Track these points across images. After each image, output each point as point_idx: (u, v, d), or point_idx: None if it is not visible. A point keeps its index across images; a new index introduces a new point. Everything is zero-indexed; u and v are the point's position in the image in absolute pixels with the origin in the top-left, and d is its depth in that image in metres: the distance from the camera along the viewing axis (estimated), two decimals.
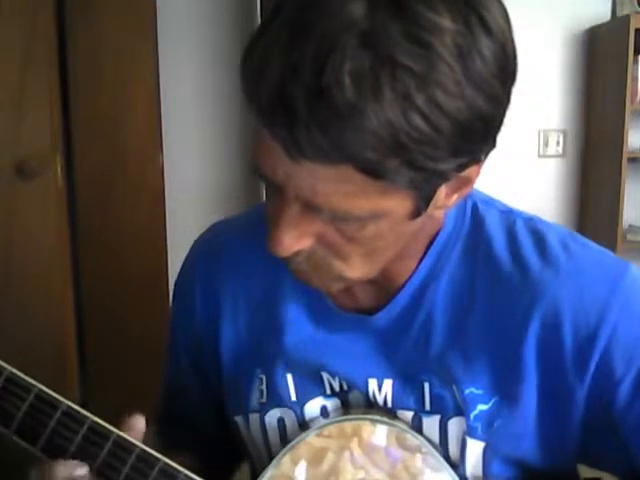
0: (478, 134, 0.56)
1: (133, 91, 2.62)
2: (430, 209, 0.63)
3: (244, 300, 0.80)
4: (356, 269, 0.64)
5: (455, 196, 0.64)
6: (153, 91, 2.63)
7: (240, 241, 0.81)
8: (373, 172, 0.54)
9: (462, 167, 0.58)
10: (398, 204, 0.59)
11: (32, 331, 2.34)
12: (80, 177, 2.61)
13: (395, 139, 0.51)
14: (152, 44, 2.61)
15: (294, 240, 0.61)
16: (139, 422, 0.70)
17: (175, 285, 0.87)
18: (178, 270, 0.88)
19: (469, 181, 0.62)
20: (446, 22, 0.51)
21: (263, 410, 0.78)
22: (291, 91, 0.51)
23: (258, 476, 0.77)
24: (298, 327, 0.77)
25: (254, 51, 0.55)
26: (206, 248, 0.85)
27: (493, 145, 0.61)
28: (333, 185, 0.55)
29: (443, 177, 0.58)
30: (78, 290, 2.62)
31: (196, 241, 0.87)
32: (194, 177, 3.06)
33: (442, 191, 0.62)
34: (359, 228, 0.60)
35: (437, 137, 0.53)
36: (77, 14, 2.51)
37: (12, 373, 0.69)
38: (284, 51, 0.52)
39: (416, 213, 0.61)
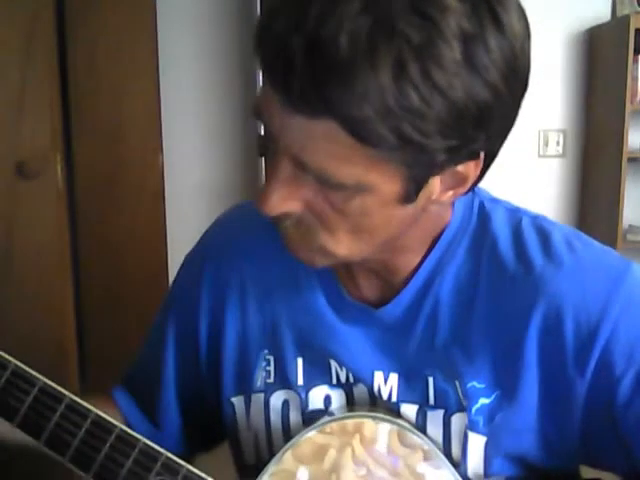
0: (469, 118, 0.56)
1: (133, 91, 2.62)
2: (423, 201, 0.63)
3: (256, 281, 0.81)
4: (341, 245, 0.64)
5: (450, 193, 0.64)
6: (153, 91, 2.63)
7: (258, 224, 0.81)
8: (359, 134, 0.55)
9: (454, 155, 0.58)
10: (385, 181, 0.59)
11: (32, 331, 2.34)
12: (80, 177, 2.61)
13: (383, 103, 0.53)
14: (152, 44, 2.61)
15: (281, 200, 0.61)
16: None
17: (185, 258, 0.88)
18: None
19: (465, 180, 0.63)
20: (453, 2, 0.53)
21: (269, 391, 0.79)
22: (292, 40, 0.53)
23: (248, 465, 0.78)
24: (313, 311, 0.78)
25: (269, 9, 0.57)
26: (225, 227, 0.86)
27: (491, 142, 0.60)
28: (321, 143, 0.56)
29: (434, 161, 0.58)
30: (78, 290, 2.63)
31: (218, 218, 0.88)
32: (194, 177, 3.06)
33: (436, 184, 0.62)
34: (345, 199, 0.60)
35: (426, 109, 0.53)
36: (77, 14, 2.52)
37: (17, 366, 0.70)
38: (293, 6, 0.54)
39: (405, 198, 0.61)
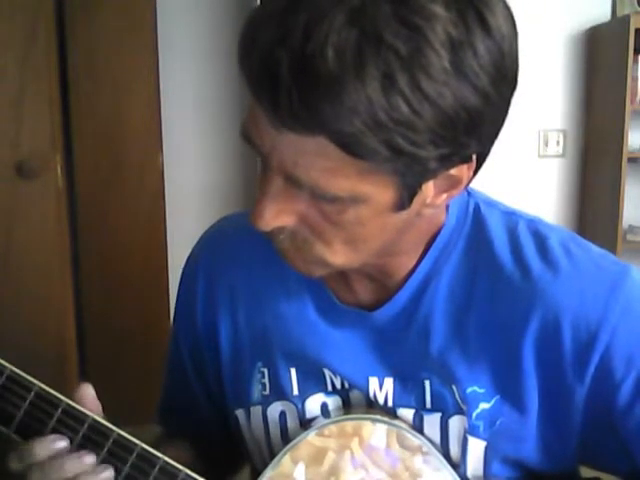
0: (461, 125, 0.55)
1: (133, 91, 2.62)
2: (418, 206, 0.63)
3: (246, 293, 0.81)
4: (338, 255, 0.64)
5: (444, 196, 0.63)
6: (153, 91, 2.63)
7: (245, 235, 0.81)
8: (350, 148, 0.54)
9: (446, 161, 0.58)
10: (379, 191, 0.59)
11: (32, 331, 2.34)
12: (80, 177, 2.61)
13: (373, 116, 0.52)
14: (152, 44, 2.61)
15: (275, 215, 0.61)
16: (89, 390, 0.71)
17: (181, 276, 0.88)
18: (178, 270, 0.89)
19: (459, 182, 0.62)
20: (439, 10, 0.52)
21: (266, 403, 0.79)
22: (278, 57, 0.52)
23: (258, 473, 0.78)
24: (302, 320, 0.77)
25: (252, 21, 0.57)
26: (211, 240, 0.86)
27: (482, 145, 0.60)
28: (313, 159, 0.56)
29: (426, 169, 0.58)
30: (78, 290, 2.62)
31: (204, 233, 0.88)
32: (194, 177, 3.06)
33: (430, 188, 0.62)
34: (340, 211, 0.60)
35: (417, 120, 0.53)
36: (77, 14, 2.52)
37: (13, 372, 0.69)
38: (277, 20, 0.53)
39: (399, 205, 0.61)
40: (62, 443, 0.67)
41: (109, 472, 0.67)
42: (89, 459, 0.67)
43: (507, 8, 0.58)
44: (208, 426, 0.89)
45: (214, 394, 0.86)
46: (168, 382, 0.92)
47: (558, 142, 3.22)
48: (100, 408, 0.71)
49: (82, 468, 0.67)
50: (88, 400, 0.70)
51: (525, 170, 3.20)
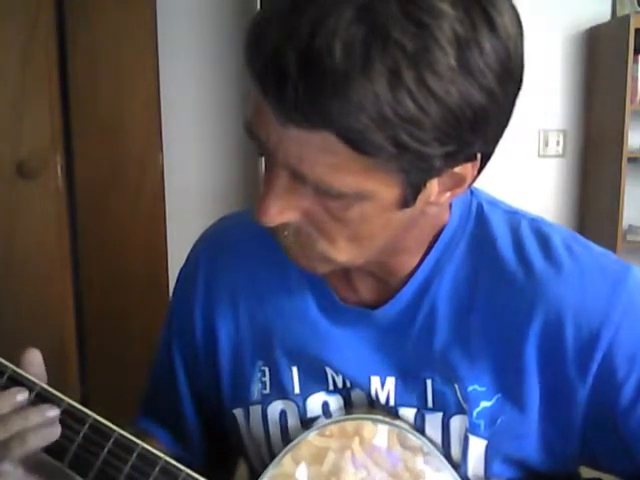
0: (466, 123, 0.55)
1: (133, 91, 2.62)
2: (422, 204, 0.63)
3: (247, 292, 0.81)
4: (342, 252, 0.64)
5: (447, 194, 0.64)
6: (153, 91, 2.63)
7: (246, 233, 0.81)
8: (356, 144, 0.54)
9: (451, 159, 0.58)
10: (384, 188, 0.59)
11: (32, 330, 2.34)
12: (80, 177, 2.61)
13: (380, 113, 0.52)
14: (152, 44, 2.61)
15: (280, 211, 0.61)
16: (36, 355, 0.71)
17: (179, 273, 0.88)
18: (178, 270, 0.89)
19: (463, 181, 0.62)
20: (446, 8, 0.52)
21: (265, 402, 0.78)
22: (285, 52, 0.52)
23: (256, 473, 0.78)
24: (304, 319, 0.77)
25: (259, 18, 0.56)
26: (212, 239, 0.86)
27: (487, 144, 0.61)
28: (318, 154, 0.56)
29: (431, 166, 0.58)
30: (78, 290, 2.62)
31: (204, 232, 0.88)
32: (194, 178, 3.06)
33: (434, 186, 0.62)
34: (344, 207, 0.60)
35: (422, 117, 0.53)
36: (77, 14, 2.52)
37: (14, 372, 0.69)
38: (284, 17, 0.54)
39: (404, 202, 0.61)
40: (24, 395, 0.68)
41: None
42: (52, 412, 0.68)
43: (513, 8, 0.58)
44: (186, 434, 0.88)
45: (203, 396, 0.85)
46: (153, 382, 0.91)
47: (558, 142, 3.22)
48: (45, 376, 0.71)
49: (44, 419, 0.67)
50: (34, 366, 0.70)
51: (525, 170, 3.20)
